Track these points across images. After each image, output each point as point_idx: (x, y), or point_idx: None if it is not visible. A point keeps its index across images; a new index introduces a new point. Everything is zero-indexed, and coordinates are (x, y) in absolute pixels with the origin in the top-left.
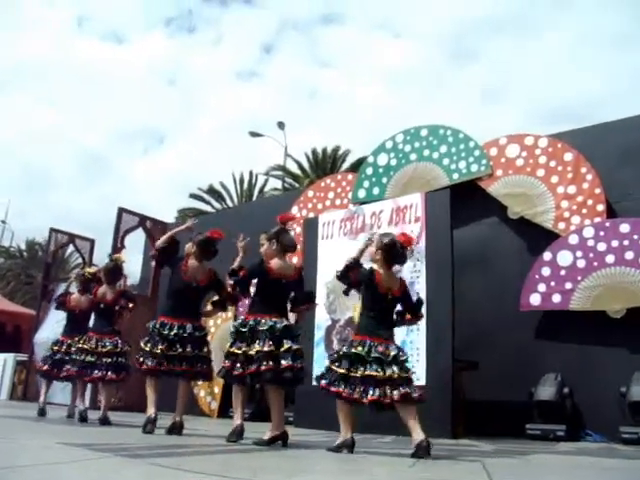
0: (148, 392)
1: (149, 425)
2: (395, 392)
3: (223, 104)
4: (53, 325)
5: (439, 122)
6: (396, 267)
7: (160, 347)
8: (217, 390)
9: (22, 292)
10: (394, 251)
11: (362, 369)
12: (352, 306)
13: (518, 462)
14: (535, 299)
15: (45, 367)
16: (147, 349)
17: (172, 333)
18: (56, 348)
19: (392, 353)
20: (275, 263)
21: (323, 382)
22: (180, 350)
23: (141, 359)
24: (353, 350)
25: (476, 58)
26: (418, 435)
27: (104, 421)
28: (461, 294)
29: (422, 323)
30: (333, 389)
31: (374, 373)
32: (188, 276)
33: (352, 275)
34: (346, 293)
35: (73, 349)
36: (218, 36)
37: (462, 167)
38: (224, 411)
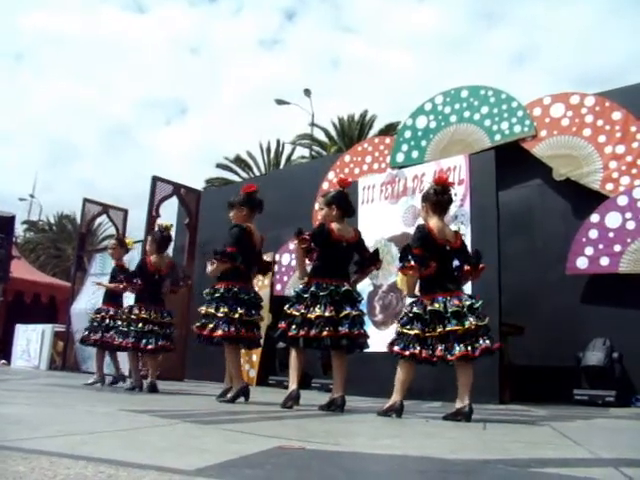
0: (233, 364)
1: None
2: (476, 345)
3: (246, 73)
4: (89, 296)
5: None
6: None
7: (239, 311)
8: (255, 358)
9: (52, 265)
10: (439, 196)
11: (441, 326)
12: (395, 271)
13: (586, 426)
14: (582, 262)
15: (96, 337)
16: (220, 314)
17: (246, 297)
18: (100, 316)
19: (467, 303)
20: (335, 226)
21: (396, 348)
22: (257, 316)
23: (211, 325)
24: (430, 308)
25: (503, 22)
26: (464, 400)
27: (152, 388)
28: (506, 257)
29: (468, 287)
30: (408, 352)
31: (455, 328)
32: (254, 241)
33: (414, 250)
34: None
35: (118, 319)
36: (239, 4)
37: (505, 128)
38: (262, 379)
